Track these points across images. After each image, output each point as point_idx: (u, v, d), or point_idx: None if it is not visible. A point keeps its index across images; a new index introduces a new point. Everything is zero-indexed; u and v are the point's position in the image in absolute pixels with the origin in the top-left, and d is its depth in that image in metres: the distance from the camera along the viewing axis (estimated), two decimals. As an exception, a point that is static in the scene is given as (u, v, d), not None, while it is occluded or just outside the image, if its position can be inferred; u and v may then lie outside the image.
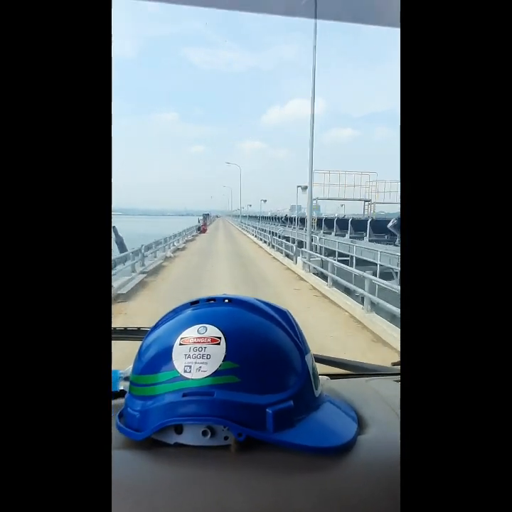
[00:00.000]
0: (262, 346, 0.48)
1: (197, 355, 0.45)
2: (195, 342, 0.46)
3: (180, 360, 0.46)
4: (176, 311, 0.52)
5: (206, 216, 35.87)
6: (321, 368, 0.75)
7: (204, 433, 0.44)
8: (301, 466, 0.42)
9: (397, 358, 0.84)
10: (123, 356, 0.66)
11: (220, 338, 0.46)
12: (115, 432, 0.48)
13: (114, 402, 0.56)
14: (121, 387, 0.58)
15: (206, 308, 0.51)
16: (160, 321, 0.53)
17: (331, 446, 0.45)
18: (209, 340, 0.46)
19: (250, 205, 45.67)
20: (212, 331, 0.47)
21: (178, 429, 0.45)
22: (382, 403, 0.57)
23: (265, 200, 26.25)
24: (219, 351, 0.45)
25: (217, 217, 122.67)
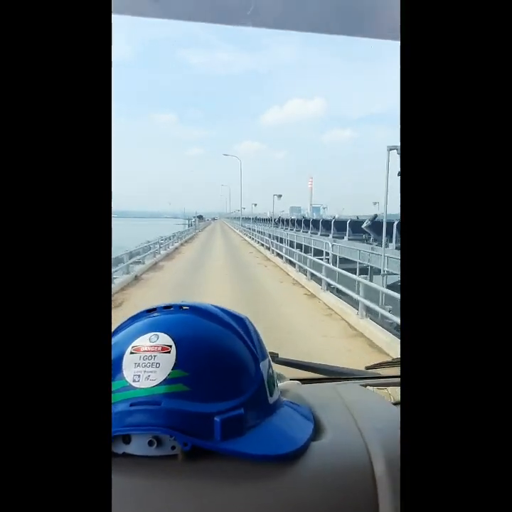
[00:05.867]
0: (214, 353, 0.48)
1: (146, 364, 0.45)
2: (146, 350, 0.46)
3: (130, 369, 0.46)
4: (132, 319, 0.52)
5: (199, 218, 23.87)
6: (294, 373, 0.80)
7: (150, 443, 0.44)
8: (249, 474, 0.42)
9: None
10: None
11: (170, 346, 0.46)
12: None
13: None
14: None
15: (162, 316, 0.51)
16: (116, 329, 0.52)
17: (280, 454, 0.45)
18: (160, 348, 0.46)
19: (255, 205, 34.08)
20: (164, 339, 0.46)
21: (126, 439, 0.45)
22: (342, 407, 0.57)
23: (280, 195, 16.39)
24: (169, 359, 0.45)
25: (215, 219, 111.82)
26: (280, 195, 16.76)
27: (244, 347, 0.50)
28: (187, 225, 39.80)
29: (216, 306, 0.53)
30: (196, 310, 0.51)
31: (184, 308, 0.51)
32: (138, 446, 0.44)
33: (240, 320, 0.53)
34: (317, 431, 0.50)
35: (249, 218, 48.76)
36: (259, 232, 23.77)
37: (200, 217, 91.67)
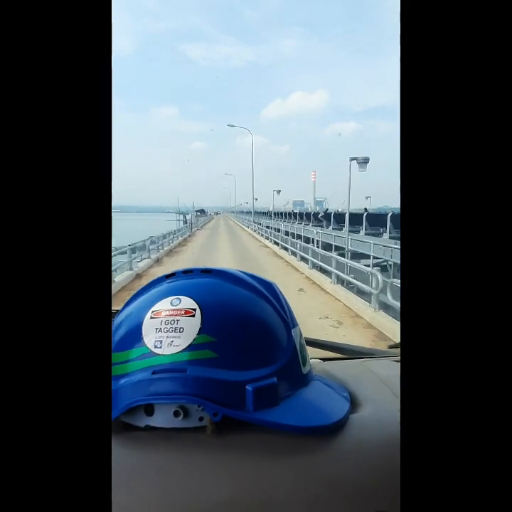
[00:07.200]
0: (242, 318, 0.45)
1: (169, 329, 0.42)
2: (167, 315, 0.43)
3: (150, 335, 0.43)
4: (150, 285, 0.50)
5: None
6: (314, 352, 0.75)
7: (176, 413, 0.41)
8: (286, 448, 0.40)
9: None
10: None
11: (194, 309, 0.43)
12: None
13: None
14: None
15: (182, 280, 0.48)
16: (133, 296, 0.50)
17: (320, 426, 0.42)
18: (183, 312, 0.43)
19: (279, 191, 24.58)
20: (187, 302, 0.44)
21: (149, 410, 0.42)
22: (377, 382, 0.55)
23: (367, 160, 8.75)
24: (193, 324, 0.42)
25: (218, 214, 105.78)
26: (366, 159, 7.65)
27: (275, 313, 0.47)
28: (183, 222, 30.08)
29: (241, 271, 0.50)
30: (219, 273, 0.48)
31: (206, 272, 0.48)
32: (162, 417, 0.41)
33: (268, 285, 0.50)
34: (353, 405, 0.48)
35: (263, 213, 39.28)
36: (292, 235, 14.25)
37: (202, 211, 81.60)
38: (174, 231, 18.07)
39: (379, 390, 0.52)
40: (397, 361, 0.66)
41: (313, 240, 12.48)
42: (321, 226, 15.94)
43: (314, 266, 9.45)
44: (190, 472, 0.37)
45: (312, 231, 13.22)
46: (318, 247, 10.91)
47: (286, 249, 13.02)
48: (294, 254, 11.76)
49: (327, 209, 17.66)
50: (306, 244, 10.92)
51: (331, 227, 15.00)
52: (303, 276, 9.31)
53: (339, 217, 15.63)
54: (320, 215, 17.07)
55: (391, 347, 0.84)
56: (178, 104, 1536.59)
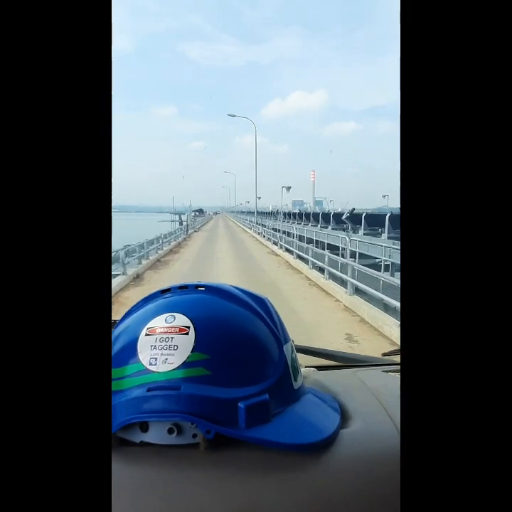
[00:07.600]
0: (236, 336, 0.45)
1: (164, 346, 0.43)
2: (162, 332, 0.44)
3: (145, 352, 0.43)
4: (145, 300, 0.50)
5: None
6: (309, 360, 0.76)
7: (170, 430, 0.41)
8: (277, 464, 0.40)
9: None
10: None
11: (188, 327, 0.43)
12: None
13: None
14: None
15: (177, 297, 0.48)
16: (129, 311, 0.50)
17: (310, 443, 0.42)
18: (177, 329, 0.43)
19: (288, 188, 21.73)
20: (181, 319, 0.44)
21: (144, 427, 0.42)
22: (367, 394, 0.55)
23: None
24: (187, 341, 0.43)
25: (217, 213, 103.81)
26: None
27: (267, 329, 0.47)
28: (178, 223, 27.18)
29: (234, 286, 0.51)
30: (213, 290, 0.49)
31: (200, 288, 0.49)
32: (156, 434, 0.42)
33: (261, 300, 0.50)
34: (343, 418, 0.48)
35: (265, 213, 36.54)
36: (308, 240, 11.25)
37: (200, 211, 78.20)
38: (165, 235, 15.15)
39: (369, 402, 0.52)
40: (387, 372, 0.67)
41: (342, 248, 9.64)
42: (345, 230, 13.12)
43: (356, 291, 6.64)
44: (183, 488, 0.37)
45: (343, 239, 10.20)
46: (355, 261, 8.04)
47: (301, 258, 10.09)
48: (316, 267, 8.91)
49: (354, 209, 14.63)
50: (345, 260, 8.07)
51: (361, 232, 12.21)
52: (341, 307, 6.42)
53: (371, 220, 12.86)
54: (344, 217, 14.06)
55: (385, 354, 0.85)
56: (178, 104, 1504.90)
